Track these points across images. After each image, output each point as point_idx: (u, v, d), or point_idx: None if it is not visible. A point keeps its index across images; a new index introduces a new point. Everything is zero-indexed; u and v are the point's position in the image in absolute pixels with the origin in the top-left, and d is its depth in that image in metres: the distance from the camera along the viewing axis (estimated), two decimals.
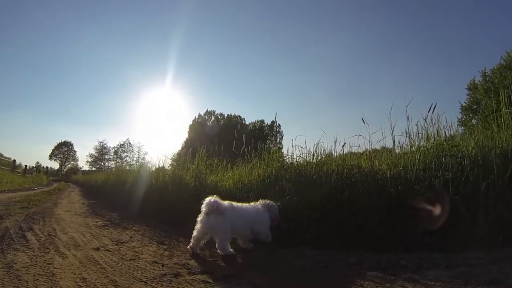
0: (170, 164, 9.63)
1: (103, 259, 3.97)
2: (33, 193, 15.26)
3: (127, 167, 14.58)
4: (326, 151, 5.76)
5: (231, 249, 4.14)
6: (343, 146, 5.48)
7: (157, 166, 9.64)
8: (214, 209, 4.15)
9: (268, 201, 4.70)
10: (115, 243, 4.86)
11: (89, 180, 25.52)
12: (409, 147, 5.06)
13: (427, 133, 4.98)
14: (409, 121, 5.07)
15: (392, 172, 4.70)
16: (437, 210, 3.83)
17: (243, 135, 7.55)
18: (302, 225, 4.58)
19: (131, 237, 5.38)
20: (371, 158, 5.17)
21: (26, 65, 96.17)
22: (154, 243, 4.93)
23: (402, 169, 4.63)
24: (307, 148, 5.91)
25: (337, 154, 5.53)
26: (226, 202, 4.36)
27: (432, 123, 4.97)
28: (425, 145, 4.84)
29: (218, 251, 4.12)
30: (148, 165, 10.98)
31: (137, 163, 13.60)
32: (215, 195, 4.34)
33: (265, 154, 6.39)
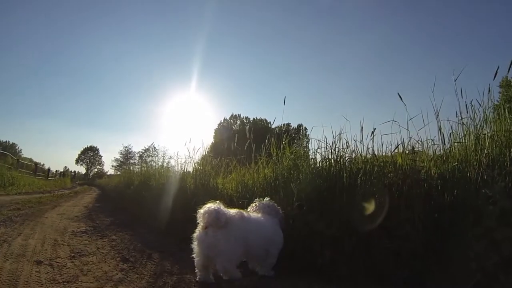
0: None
1: (29, 278, 2.98)
2: (47, 195, 14.60)
3: (134, 169, 13.64)
4: (351, 144, 4.29)
5: (238, 272, 3.07)
6: (373, 133, 3.87)
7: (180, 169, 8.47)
8: (214, 220, 2.97)
9: (266, 201, 3.66)
10: (71, 256, 3.87)
11: (107, 184, 25.17)
12: (462, 135, 3.60)
13: (486, 115, 3.49)
14: (461, 97, 3.54)
15: (440, 171, 3.37)
16: None
17: (268, 138, 6.22)
18: (312, 245, 3.38)
19: (98, 248, 4.38)
20: (412, 151, 3.66)
21: (54, 73, 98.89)
22: (118, 258, 3.87)
23: (457, 164, 3.26)
24: (326, 141, 4.52)
25: (366, 147, 4.06)
26: (233, 211, 3.24)
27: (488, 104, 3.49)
28: (487, 131, 3.35)
29: (220, 274, 3.05)
30: (158, 167, 9.89)
31: (142, 164, 12.57)
32: (217, 201, 3.20)
33: (274, 150, 5.16)
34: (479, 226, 2.65)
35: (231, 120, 65.45)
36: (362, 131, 3.95)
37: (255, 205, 3.62)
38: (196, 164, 6.90)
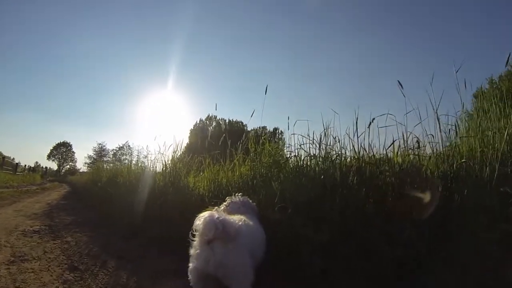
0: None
1: None
2: (10, 190, 13.76)
3: (103, 165, 12.88)
4: (342, 139, 3.79)
5: None
6: (370, 124, 3.35)
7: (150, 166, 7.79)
8: (221, 232, 2.31)
9: (240, 197, 3.24)
10: (10, 261, 3.33)
11: (78, 181, 24.20)
12: (465, 130, 3.25)
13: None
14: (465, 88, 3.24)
15: (442, 169, 2.97)
16: None
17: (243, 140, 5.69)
18: (300, 253, 2.89)
19: (45, 252, 3.84)
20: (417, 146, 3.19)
21: (28, 66, 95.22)
22: (65, 266, 3.36)
23: (465, 161, 2.86)
24: (312, 136, 4.07)
25: (359, 143, 3.59)
26: (237, 218, 2.69)
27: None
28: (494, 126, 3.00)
29: None
30: (127, 163, 9.26)
31: (116, 163, 11.85)
32: (215, 208, 2.75)
33: (252, 145, 4.68)
34: (495, 229, 2.29)
35: (207, 121, 64.51)
36: (356, 122, 3.51)
37: (228, 203, 3.17)
38: (166, 161, 6.37)
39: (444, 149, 3.19)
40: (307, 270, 2.81)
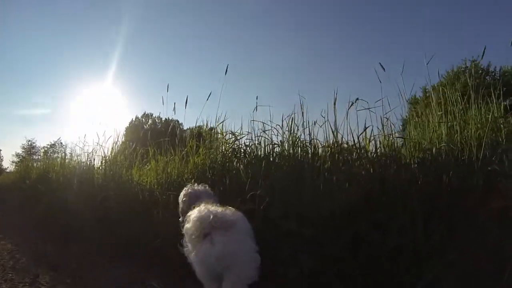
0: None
1: None
2: None
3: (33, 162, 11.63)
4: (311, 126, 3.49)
5: None
6: (353, 104, 3.19)
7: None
8: (219, 221, 2.13)
9: (198, 187, 2.86)
10: None
11: (2, 181, 22.06)
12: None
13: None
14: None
15: (422, 156, 2.88)
16: None
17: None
18: (280, 251, 2.56)
19: None
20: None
21: None
22: None
23: (445, 145, 2.84)
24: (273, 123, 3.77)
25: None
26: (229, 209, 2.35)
27: None
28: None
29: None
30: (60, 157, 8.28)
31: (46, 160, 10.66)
32: (213, 204, 2.38)
33: (206, 132, 4.24)
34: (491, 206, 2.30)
35: (143, 119, 62.09)
36: (335, 103, 3.29)
37: (188, 193, 2.78)
38: (106, 153, 5.71)
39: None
40: (290, 271, 2.49)
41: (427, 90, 4.41)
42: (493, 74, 17.51)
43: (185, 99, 4.45)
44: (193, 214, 2.25)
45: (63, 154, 7.25)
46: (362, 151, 3.13)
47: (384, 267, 2.40)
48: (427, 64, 3.29)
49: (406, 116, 3.67)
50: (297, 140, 3.50)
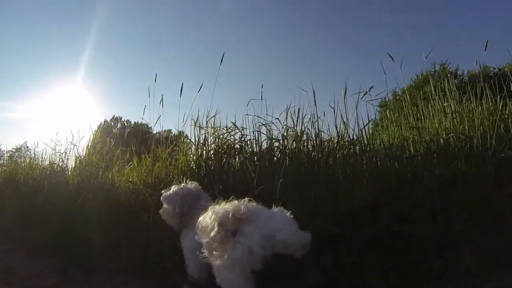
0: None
1: None
2: None
3: None
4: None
5: None
6: (366, 94, 3.28)
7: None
8: (242, 215, 1.89)
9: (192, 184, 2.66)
10: None
11: None
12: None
13: None
14: None
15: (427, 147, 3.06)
16: None
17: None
18: None
19: None
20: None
21: None
22: None
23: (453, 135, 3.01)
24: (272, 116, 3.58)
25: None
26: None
27: None
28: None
29: None
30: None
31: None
32: (225, 202, 2.04)
33: (197, 126, 3.82)
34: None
35: (112, 123, 60.46)
36: (345, 93, 3.26)
37: (188, 191, 2.56)
38: (81, 153, 5.19)
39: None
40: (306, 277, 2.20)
41: (397, 93, 4.51)
42: (461, 77, 17.88)
43: (180, 88, 4.03)
44: (208, 215, 1.96)
45: (33, 155, 6.60)
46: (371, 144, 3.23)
47: (410, 257, 2.35)
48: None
49: (376, 119, 3.86)
50: (303, 133, 3.31)
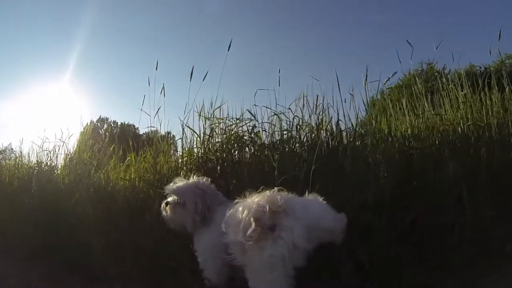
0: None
1: None
2: None
3: None
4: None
5: None
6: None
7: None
8: (283, 205, 1.70)
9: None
10: None
11: None
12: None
13: None
14: None
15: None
16: None
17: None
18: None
19: None
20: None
21: None
22: None
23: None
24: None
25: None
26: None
27: None
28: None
29: None
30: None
31: None
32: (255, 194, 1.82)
33: (202, 115, 3.51)
34: None
35: (98, 123, 59.40)
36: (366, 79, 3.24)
37: (207, 185, 2.32)
38: (71, 151, 4.84)
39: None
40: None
41: (384, 92, 4.35)
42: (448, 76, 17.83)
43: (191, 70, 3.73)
44: (238, 210, 1.75)
45: (19, 153, 6.16)
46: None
47: (443, 245, 2.31)
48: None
49: (364, 117, 3.62)
50: (321, 123, 3.20)
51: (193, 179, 2.37)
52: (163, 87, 3.72)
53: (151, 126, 3.85)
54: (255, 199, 1.75)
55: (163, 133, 4.02)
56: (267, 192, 1.79)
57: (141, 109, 3.81)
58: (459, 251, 2.26)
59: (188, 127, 3.51)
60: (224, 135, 3.46)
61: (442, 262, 2.25)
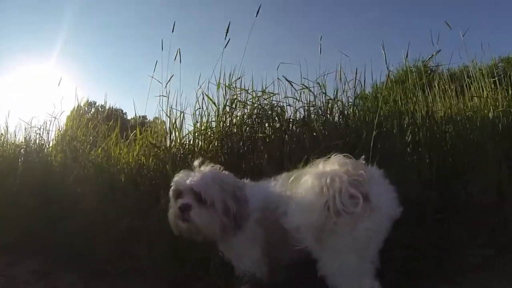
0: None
1: None
2: None
3: None
4: None
5: None
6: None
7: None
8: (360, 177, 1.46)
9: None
10: None
11: None
12: None
13: None
14: None
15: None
16: None
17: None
18: None
19: None
20: None
21: None
22: None
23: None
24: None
25: None
26: None
27: None
28: None
29: None
30: None
31: None
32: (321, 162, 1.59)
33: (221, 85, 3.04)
34: None
35: (85, 107, 58.41)
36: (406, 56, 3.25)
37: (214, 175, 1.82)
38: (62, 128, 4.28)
39: None
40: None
41: (377, 86, 4.17)
42: (442, 74, 17.78)
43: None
44: (318, 179, 1.45)
45: (4, 130, 5.52)
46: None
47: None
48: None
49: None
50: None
51: (211, 166, 1.86)
52: (179, 51, 3.20)
53: (162, 95, 3.30)
54: (332, 168, 1.49)
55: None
56: (341, 159, 1.54)
57: (152, 76, 3.31)
58: (505, 231, 2.17)
59: (206, 95, 3.00)
60: (247, 108, 3.01)
61: (490, 242, 2.11)
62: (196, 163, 1.83)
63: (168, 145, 3.01)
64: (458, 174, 2.52)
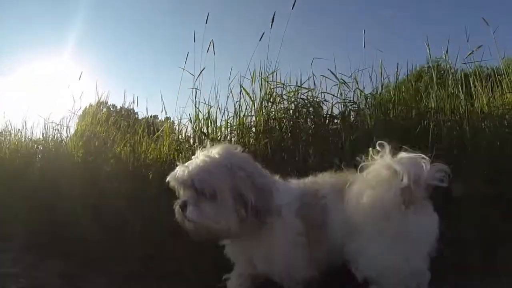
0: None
1: None
2: None
3: None
4: None
5: None
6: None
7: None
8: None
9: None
10: None
11: None
12: None
13: None
14: None
15: None
16: None
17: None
18: None
19: None
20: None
21: None
22: None
23: None
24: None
25: None
26: None
27: None
28: None
29: None
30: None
31: None
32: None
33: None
34: None
35: (97, 107, 59.11)
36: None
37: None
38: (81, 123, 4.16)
39: None
40: None
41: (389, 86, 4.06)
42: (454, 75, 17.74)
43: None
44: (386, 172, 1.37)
45: (22, 126, 5.36)
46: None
47: None
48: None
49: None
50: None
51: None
52: (212, 42, 3.05)
53: (194, 88, 3.13)
54: (393, 159, 1.40)
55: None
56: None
57: (183, 68, 3.16)
58: None
59: (244, 89, 2.82)
60: (283, 103, 2.85)
61: None
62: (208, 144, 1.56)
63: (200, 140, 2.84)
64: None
